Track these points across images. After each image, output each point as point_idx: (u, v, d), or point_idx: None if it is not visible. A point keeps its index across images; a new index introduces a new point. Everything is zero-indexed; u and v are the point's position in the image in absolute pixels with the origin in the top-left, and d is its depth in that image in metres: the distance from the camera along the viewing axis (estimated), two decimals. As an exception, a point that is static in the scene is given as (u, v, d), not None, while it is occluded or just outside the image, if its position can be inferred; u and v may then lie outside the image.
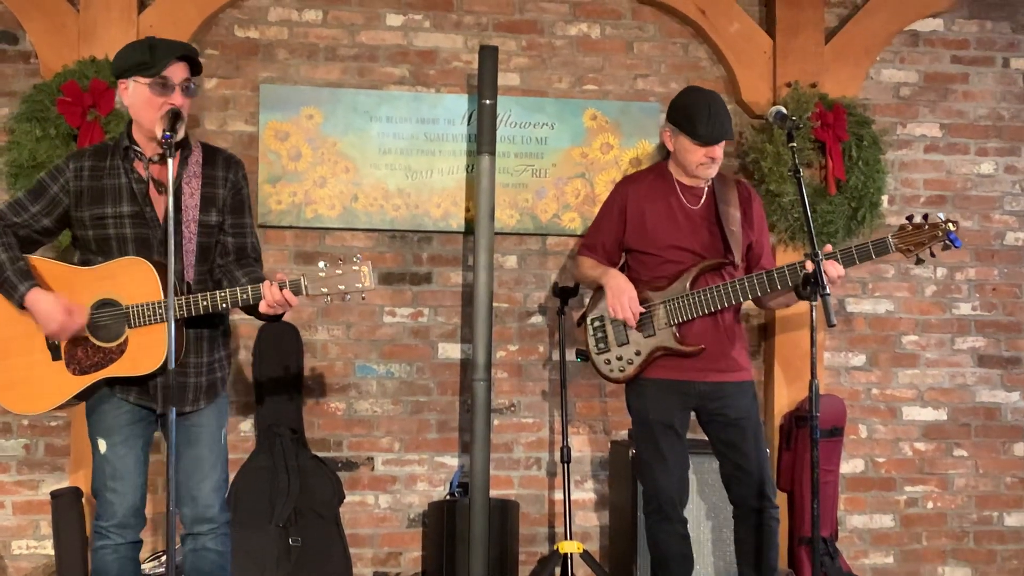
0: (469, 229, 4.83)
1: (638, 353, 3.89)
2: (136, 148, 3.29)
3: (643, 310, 3.88)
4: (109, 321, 3.25)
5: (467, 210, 4.85)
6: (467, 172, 4.86)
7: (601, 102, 4.97)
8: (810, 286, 3.58)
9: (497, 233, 4.76)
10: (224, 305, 3.18)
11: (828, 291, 3.53)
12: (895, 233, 3.66)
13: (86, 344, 3.27)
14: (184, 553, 3.34)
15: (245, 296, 3.17)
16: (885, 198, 4.99)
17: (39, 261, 3.34)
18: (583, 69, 5.00)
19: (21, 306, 3.24)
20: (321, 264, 3.15)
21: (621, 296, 3.87)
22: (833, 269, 3.65)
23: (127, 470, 3.28)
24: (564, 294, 4.67)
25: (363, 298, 3.20)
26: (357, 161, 4.80)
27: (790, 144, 3.69)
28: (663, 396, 3.88)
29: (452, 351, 4.88)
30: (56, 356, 3.30)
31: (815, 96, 4.84)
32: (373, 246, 4.84)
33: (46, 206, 3.31)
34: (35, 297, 3.22)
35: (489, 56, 4.68)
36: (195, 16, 4.64)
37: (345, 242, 4.82)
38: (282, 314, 3.24)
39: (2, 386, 3.35)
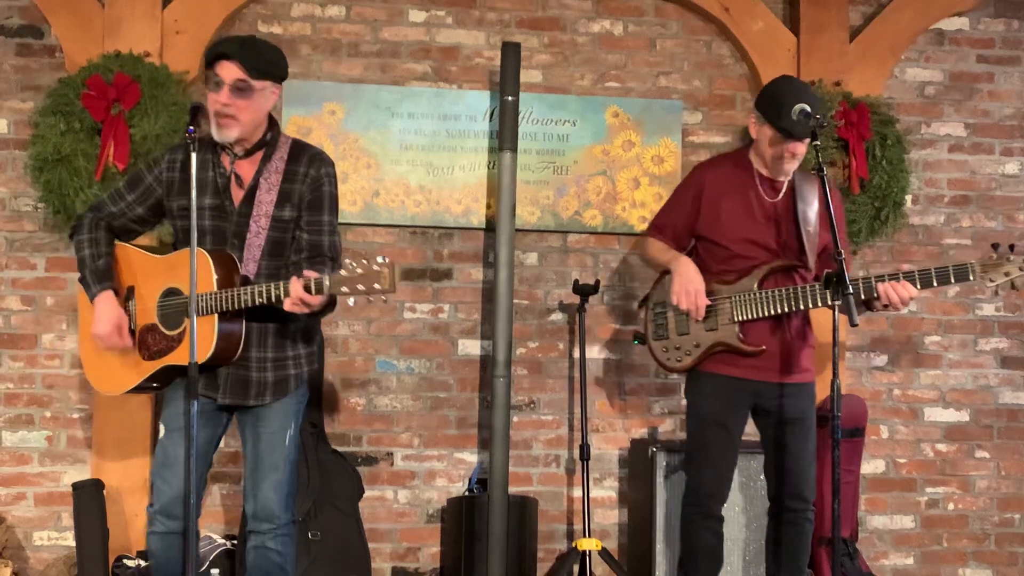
0: (490, 226, 4.83)
1: (697, 346, 3.83)
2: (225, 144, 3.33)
3: (708, 302, 3.79)
4: (173, 310, 3.31)
5: (488, 207, 4.85)
6: (488, 169, 4.86)
7: (623, 99, 4.96)
8: (832, 285, 3.56)
9: (518, 230, 4.76)
10: (260, 300, 3.14)
11: (851, 290, 3.50)
12: (979, 260, 3.61)
13: (155, 331, 3.35)
14: (247, 550, 3.37)
15: (277, 292, 3.12)
16: (909, 198, 4.96)
17: (124, 249, 3.45)
18: (605, 66, 4.99)
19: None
20: (346, 262, 3.09)
21: (689, 286, 3.78)
22: (904, 291, 3.59)
23: (178, 459, 3.30)
24: (584, 292, 4.67)
25: (384, 300, 3.15)
26: (378, 157, 4.81)
27: (813, 143, 3.66)
28: (721, 394, 3.80)
29: (472, 347, 4.89)
30: (132, 341, 3.40)
31: (839, 95, 4.81)
32: (394, 242, 4.85)
33: (140, 195, 3.41)
34: (101, 301, 3.35)
35: (511, 53, 4.68)
36: (219, 12, 4.65)
37: (366, 237, 4.82)
38: (320, 311, 3.20)
39: (91, 366, 3.53)
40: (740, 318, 3.77)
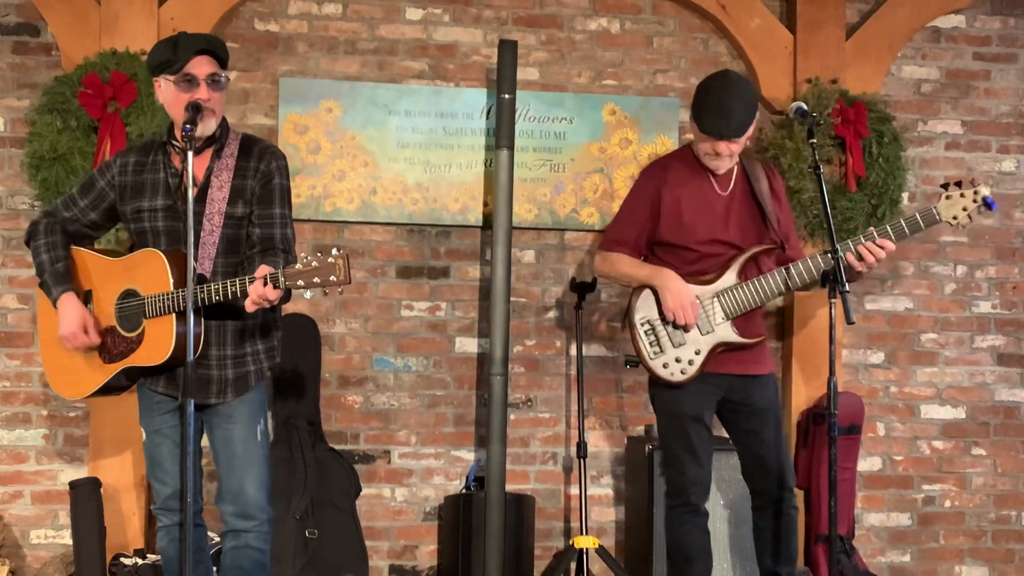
0: (487, 223, 4.83)
1: (698, 352, 3.75)
2: (174, 143, 3.33)
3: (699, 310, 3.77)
4: (131, 312, 3.29)
5: (485, 204, 4.85)
6: (485, 166, 4.86)
7: (620, 97, 4.96)
8: (829, 283, 3.57)
9: (515, 228, 4.75)
10: (217, 297, 3.13)
11: (848, 288, 3.52)
12: (939, 204, 3.69)
13: (114, 334, 3.34)
14: (224, 550, 3.35)
15: (233, 289, 3.11)
16: (905, 195, 4.96)
17: (79, 253, 3.44)
18: (602, 64, 4.99)
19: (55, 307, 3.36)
20: (301, 255, 3.05)
21: (684, 300, 3.71)
22: (879, 251, 3.65)
23: (163, 459, 3.34)
24: (581, 289, 4.66)
25: (340, 292, 3.11)
26: (376, 155, 4.81)
27: (810, 140, 3.67)
28: (697, 389, 3.78)
29: (469, 345, 4.89)
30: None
31: (836, 92, 4.81)
32: (391, 240, 4.85)
33: (93, 200, 3.41)
34: (63, 303, 3.34)
35: (508, 50, 4.67)
36: (216, 9, 4.65)
37: (363, 236, 4.82)
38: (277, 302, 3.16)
39: (52, 371, 3.52)
40: (734, 313, 3.76)
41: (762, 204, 3.81)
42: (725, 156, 3.76)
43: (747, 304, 3.76)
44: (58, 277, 3.36)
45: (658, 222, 3.83)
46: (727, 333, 3.77)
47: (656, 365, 3.79)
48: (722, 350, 3.77)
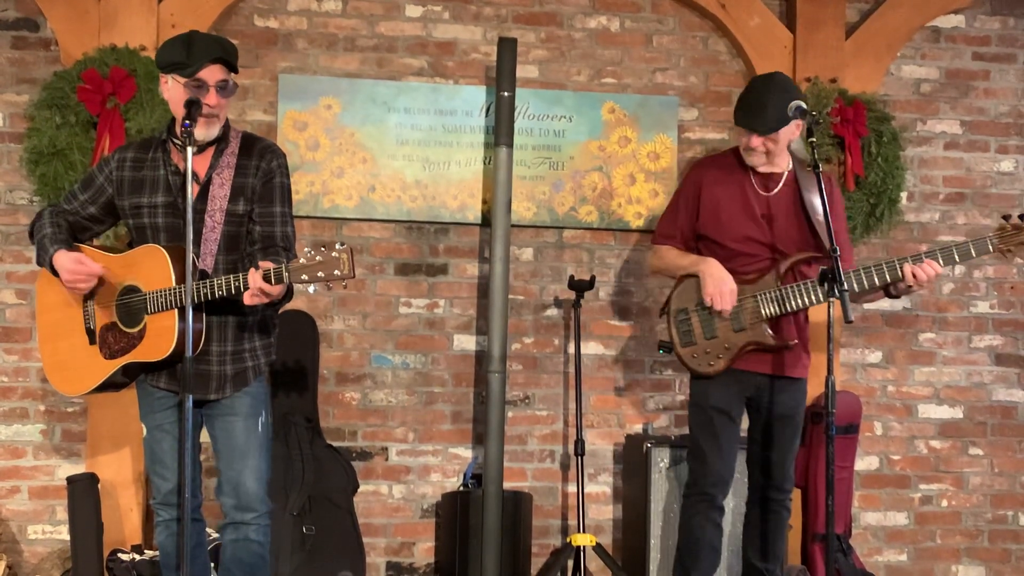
0: (486, 221, 4.83)
1: (727, 348, 3.81)
2: (174, 140, 3.33)
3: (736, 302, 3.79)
4: (133, 307, 3.29)
5: (484, 202, 4.85)
6: (484, 164, 4.86)
7: (619, 95, 4.96)
8: (827, 282, 3.57)
9: (513, 225, 4.76)
10: (220, 293, 3.14)
11: (845, 287, 3.52)
12: (995, 232, 3.67)
13: (115, 329, 3.33)
14: (224, 543, 3.35)
15: (236, 284, 3.11)
16: (904, 195, 4.97)
17: (81, 248, 3.42)
18: (602, 62, 4.99)
19: (53, 271, 3.32)
20: (304, 250, 3.05)
21: (723, 286, 3.76)
22: (931, 269, 3.65)
23: (164, 454, 3.34)
24: (579, 287, 4.67)
25: (344, 286, 3.12)
26: (375, 152, 4.81)
27: (809, 139, 3.67)
28: (727, 384, 3.83)
29: (467, 343, 4.89)
30: (92, 340, 3.38)
31: (835, 91, 4.82)
32: (390, 237, 4.85)
33: (92, 194, 3.41)
34: (56, 258, 3.31)
35: (508, 48, 4.67)
36: (215, 5, 4.64)
37: (362, 232, 4.82)
38: (277, 301, 3.19)
39: (51, 367, 3.50)
40: (768, 314, 3.78)
41: (810, 214, 3.80)
42: (760, 152, 3.81)
43: (783, 307, 3.77)
44: (56, 240, 3.33)
45: (699, 216, 3.92)
46: (759, 333, 3.80)
47: (686, 354, 3.89)
48: (752, 349, 3.81)
